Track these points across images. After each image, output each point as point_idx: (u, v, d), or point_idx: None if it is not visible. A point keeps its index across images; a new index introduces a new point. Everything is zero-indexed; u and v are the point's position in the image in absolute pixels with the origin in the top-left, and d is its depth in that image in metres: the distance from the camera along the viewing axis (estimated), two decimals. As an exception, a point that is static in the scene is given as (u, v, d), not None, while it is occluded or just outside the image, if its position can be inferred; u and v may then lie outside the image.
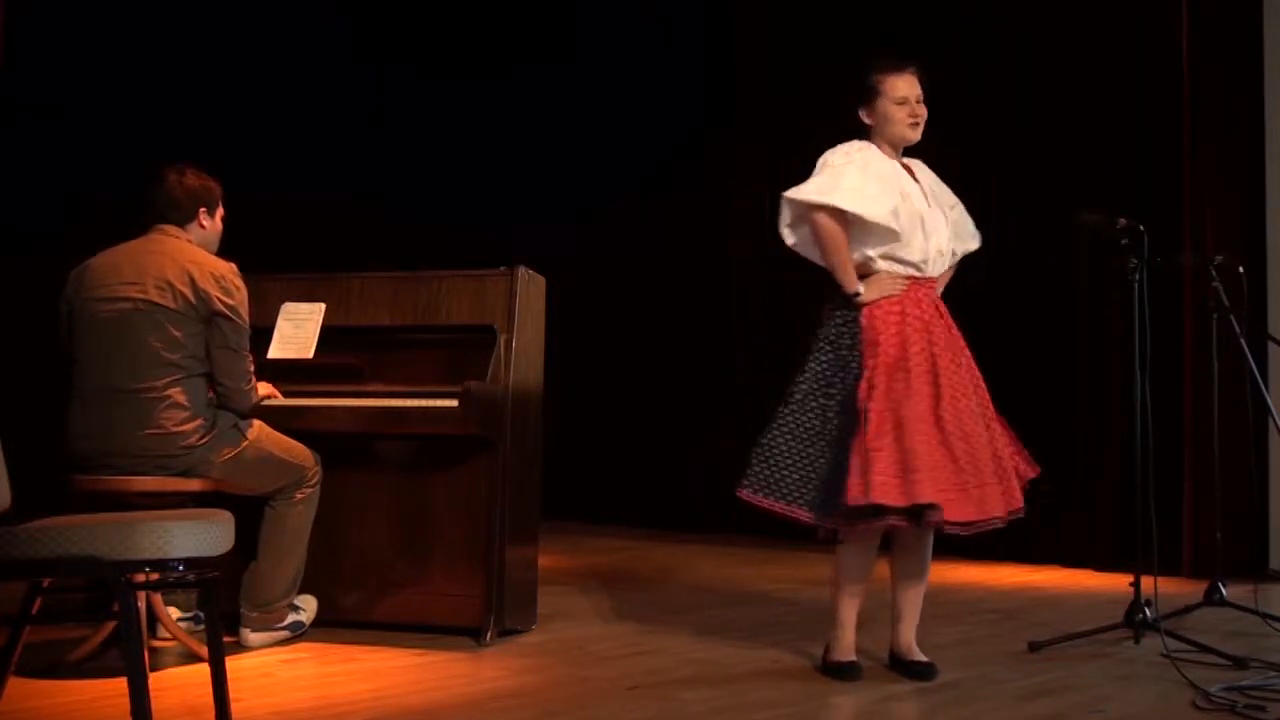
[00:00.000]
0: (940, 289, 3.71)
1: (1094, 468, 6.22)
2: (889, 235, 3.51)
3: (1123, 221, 4.10)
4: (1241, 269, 4.49)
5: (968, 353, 3.63)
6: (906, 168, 3.67)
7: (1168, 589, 4.59)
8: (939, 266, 3.64)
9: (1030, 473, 3.64)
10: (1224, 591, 4.50)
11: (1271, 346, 5.45)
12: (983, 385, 3.62)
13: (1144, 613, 4.06)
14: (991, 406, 3.62)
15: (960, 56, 6.66)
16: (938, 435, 3.41)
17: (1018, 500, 3.52)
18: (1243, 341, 4.23)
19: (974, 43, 6.79)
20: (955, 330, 3.63)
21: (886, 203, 3.50)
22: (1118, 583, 4.61)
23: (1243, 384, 4.58)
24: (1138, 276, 4.08)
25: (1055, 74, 6.52)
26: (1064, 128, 6.46)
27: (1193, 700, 3.30)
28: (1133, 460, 4.15)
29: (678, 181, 8.00)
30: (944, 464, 3.38)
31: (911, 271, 3.56)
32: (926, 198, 3.63)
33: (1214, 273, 4.33)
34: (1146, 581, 4.00)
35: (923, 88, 3.65)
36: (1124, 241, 4.09)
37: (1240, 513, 5.33)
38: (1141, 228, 4.07)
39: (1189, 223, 5.92)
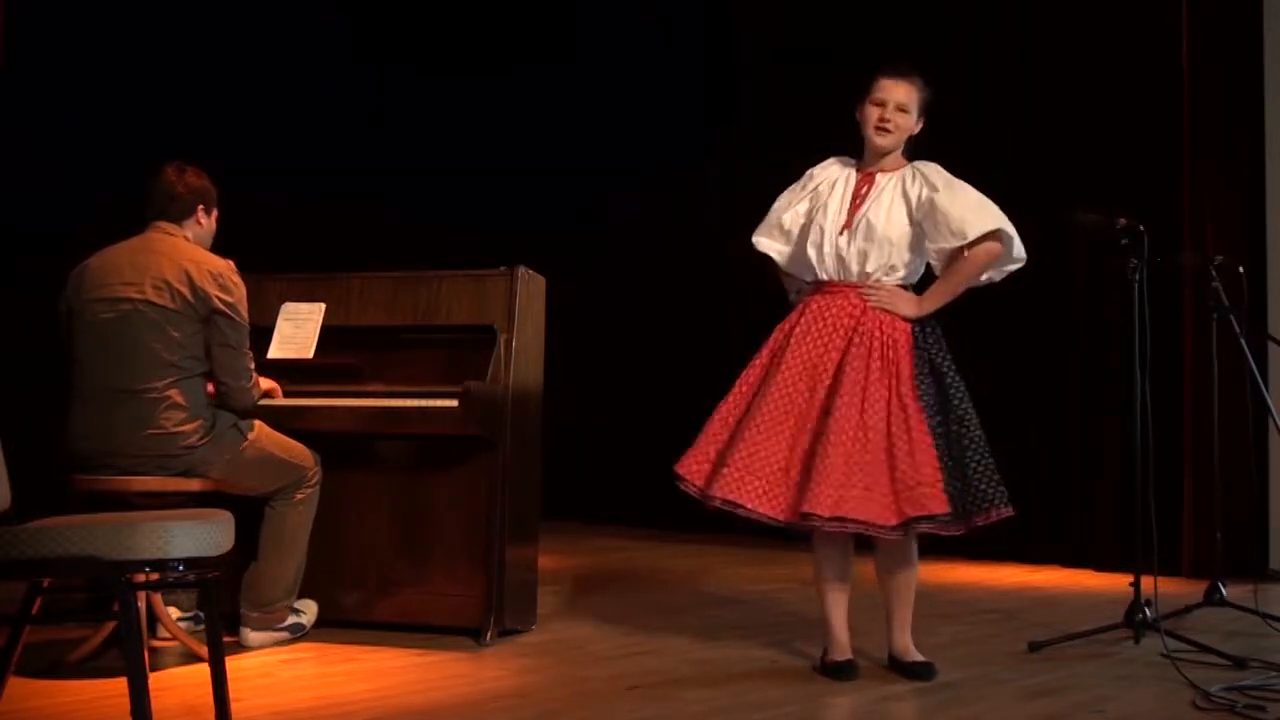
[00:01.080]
0: (948, 293, 3.62)
1: (1094, 468, 6.22)
2: (804, 261, 3.73)
3: (1123, 221, 4.10)
4: (1241, 269, 4.49)
5: (901, 373, 3.52)
6: (869, 176, 3.68)
7: (1168, 589, 4.59)
8: (848, 271, 3.62)
9: (918, 510, 3.40)
10: (1224, 591, 4.50)
11: (1271, 346, 5.45)
12: (907, 405, 3.49)
13: (1144, 613, 4.06)
14: (912, 428, 3.46)
15: (960, 56, 6.66)
16: (776, 429, 3.52)
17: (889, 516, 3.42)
18: (1243, 341, 4.23)
19: (974, 43, 6.79)
20: (890, 346, 3.54)
21: (786, 226, 3.78)
22: (1118, 583, 4.61)
23: (1243, 384, 4.58)
24: (1138, 276, 4.08)
25: (1055, 74, 6.52)
26: (1064, 128, 6.46)
27: (1193, 700, 3.29)
28: (1133, 460, 4.15)
29: (678, 181, 8.01)
30: (765, 459, 3.50)
31: (814, 277, 3.70)
32: (859, 206, 3.62)
33: (1214, 273, 4.33)
34: (1146, 581, 4.00)
35: (926, 103, 3.64)
36: (1124, 241, 4.09)
37: (1240, 513, 5.33)
38: (1141, 228, 4.07)
39: (1189, 223, 5.93)
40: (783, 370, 3.59)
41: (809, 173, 3.83)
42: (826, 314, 3.62)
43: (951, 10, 6.85)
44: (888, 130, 3.62)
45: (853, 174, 3.72)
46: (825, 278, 3.67)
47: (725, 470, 3.52)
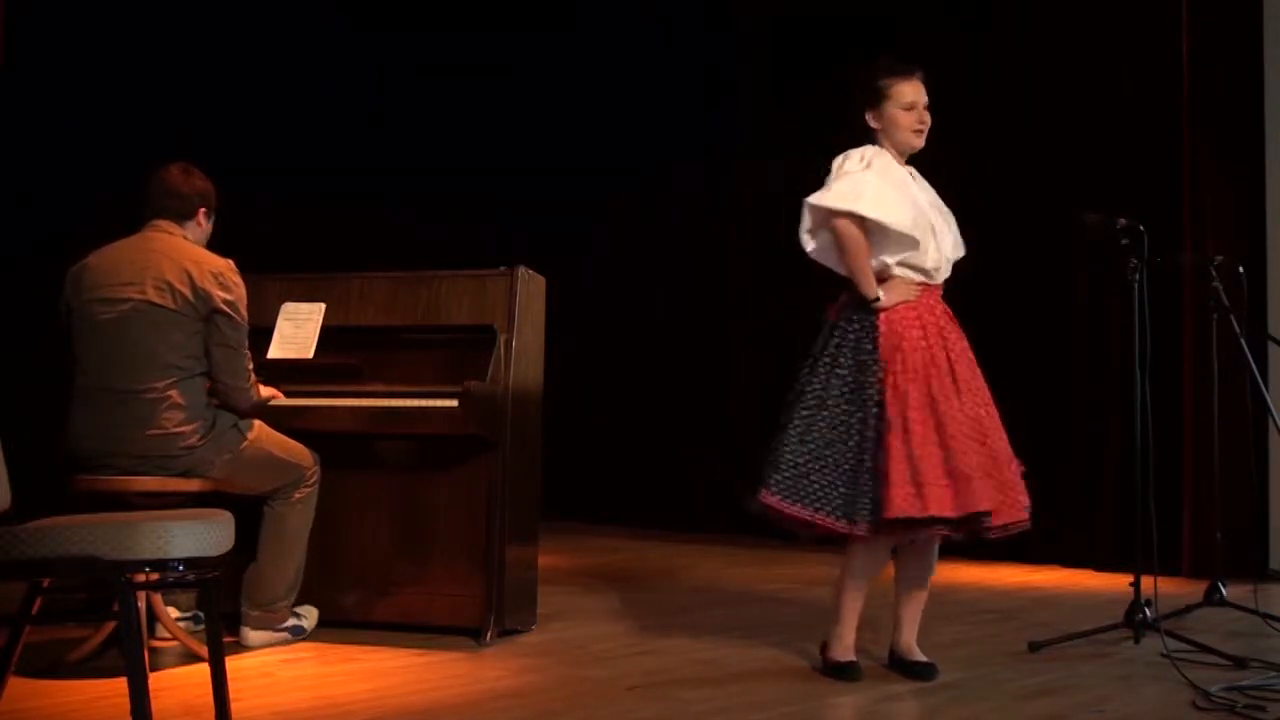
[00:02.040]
0: None
1: (1094, 468, 6.21)
2: (907, 242, 3.52)
3: (1123, 221, 4.10)
4: (1241, 269, 4.49)
5: (975, 361, 3.62)
6: (910, 175, 3.68)
7: (1168, 589, 4.59)
8: (945, 273, 3.64)
9: (1026, 511, 3.52)
10: (1224, 591, 4.50)
11: (1271, 346, 5.45)
12: (989, 393, 3.60)
13: (1144, 613, 4.06)
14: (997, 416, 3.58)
15: (960, 56, 6.66)
16: (977, 439, 3.44)
17: (1018, 511, 3.51)
18: (1243, 341, 4.23)
19: (974, 43, 6.79)
20: (964, 338, 3.62)
21: (906, 210, 3.52)
22: (1118, 583, 4.61)
23: (1243, 384, 4.58)
24: (1138, 276, 4.08)
25: (1055, 74, 6.52)
26: (1064, 128, 6.46)
27: (1193, 700, 3.29)
28: (1133, 460, 4.15)
29: (678, 181, 8.00)
30: (985, 469, 3.42)
31: (923, 278, 3.58)
32: (933, 205, 3.66)
33: (1214, 273, 4.33)
34: (1146, 581, 4.00)
35: (927, 92, 3.65)
36: (1124, 241, 4.09)
37: (1240, 513, 5.33)
38: (1141, 228, 4.08)
39: (1189, 223, 5.92)
40: (941, 378, 3.48)
41: (869, 158, 3.57)
42: (939, 314, 3.58)
43: (952, 10, 6.85)
44: (924, 132, 3.61)
45: (907, 172, 3.66)
46: (927, 279, 3.57)
47: (971, 485, 3.39)
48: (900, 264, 3.54)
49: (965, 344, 3.61)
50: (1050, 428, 6.31)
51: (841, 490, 3.40)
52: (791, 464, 3.43)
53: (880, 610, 3.82)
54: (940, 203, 3.71)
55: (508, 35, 8.24)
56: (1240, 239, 5.83)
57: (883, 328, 3.49)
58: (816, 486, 3.41)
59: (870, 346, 3.49)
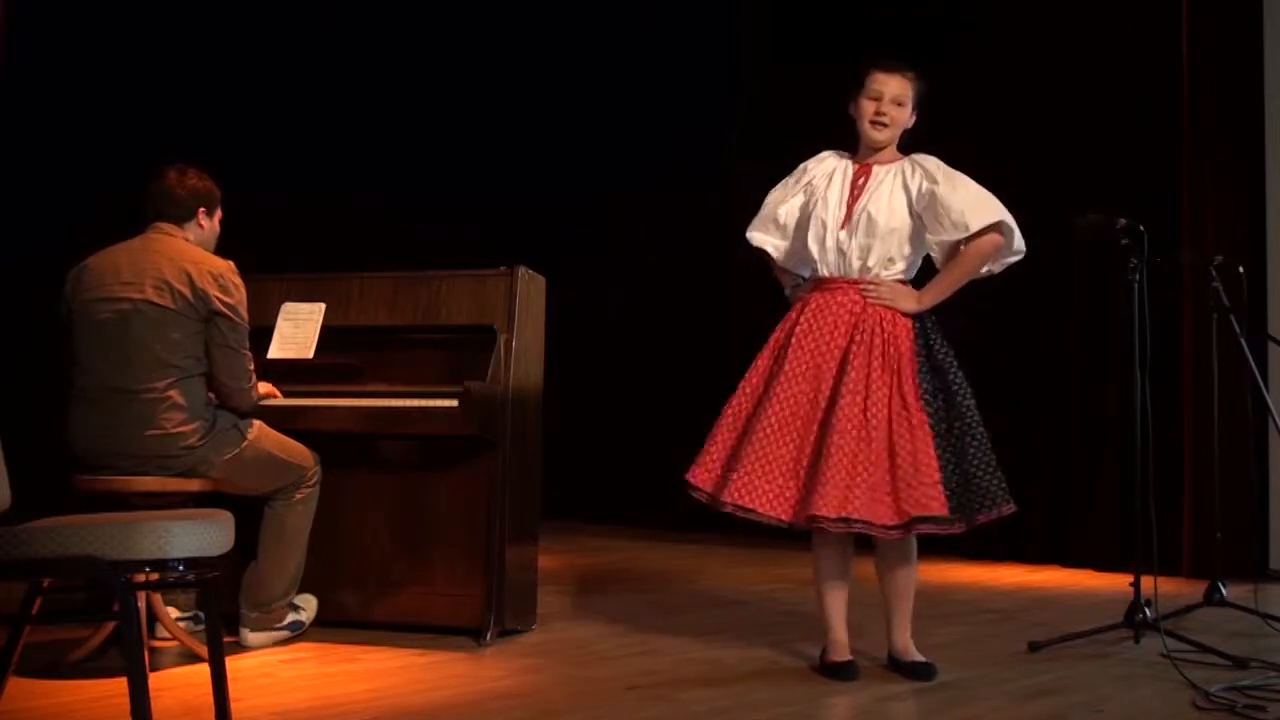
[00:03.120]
0: (949, 287, 3.61)
1: (1094, 468, 6.22)
2: (803, 256, 3.72)
3: (1123, 221, 4.10)
4: (1241, 269, 4.49)
5: (903, 370, 3.52)
6: (865, 168, 3.67)
7: (1168, 589, 4.59)
8: (849, 266, 3.61)
9: (920, 510, 3.40)
10: (1224, 591, 4.50)
11: (1271, 346, 5.45)
12: (909, 403, 3.49)
13: (1144, 613, 4.06)
14: (914, 426, 3.46)
15: (960, 57, 6.66)
16: (783, 431, 3.52)
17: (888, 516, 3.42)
18: (1243, 341, 4.23)
19: (974, 43, 6.79)
20: (890, 342, 3.54)
21: (782, 221, 3.76)
22: (1118, 583, 4.61)
23: (1243, 384, 4.58)
24: (1138, 276, 4.08)
25: (1055, 74, 6.52)
26: (1064, 128, 6.46)
27: (1193, 700, 3.29)
28: (1133, 460, 4.15)
29: (678, 181, 8.00)
30: (773, 461, 3.50)
31: (812, 273, 3.71)
32: (857, 199, 3.61)
33: (1214, 273, 4.34)
34: (1146, 581, 4.00)
35: (920, 96, 3.64)
36: (1124, 241, 4.09)
37: (1240, 513, 5.33)
38: (1141, 228, 4.08)
39: (1189, 223, 5.93)
40: (786, 371, 3.58)
41: (802, 166, 3.80)
42: (827, 311, 3.61)
43: (952, 10, 6.85)
44: (884, 124, 3.62)
45: (849, 166, 3.71)
46: (825, 273, 3.66)
47: (735, 475, 3.52)
48: (812, 272, 3.72)
49: (879, 349, 3.53)
50: (1050, 428, 6.32)
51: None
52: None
53: (876, 612, 3.81)
54: (932, 187, 3.58)
55: (508, 35, 8.25)
56: (1240, 239, 5.83)
57: (779, 326, 3.71)
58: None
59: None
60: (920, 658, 3.62)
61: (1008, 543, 6.15)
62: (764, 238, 3.83)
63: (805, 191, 3.74)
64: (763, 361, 3.70)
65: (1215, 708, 3.21)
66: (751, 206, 3.93)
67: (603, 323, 8.40)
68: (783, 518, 3.49)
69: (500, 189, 8.22)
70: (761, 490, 3.49)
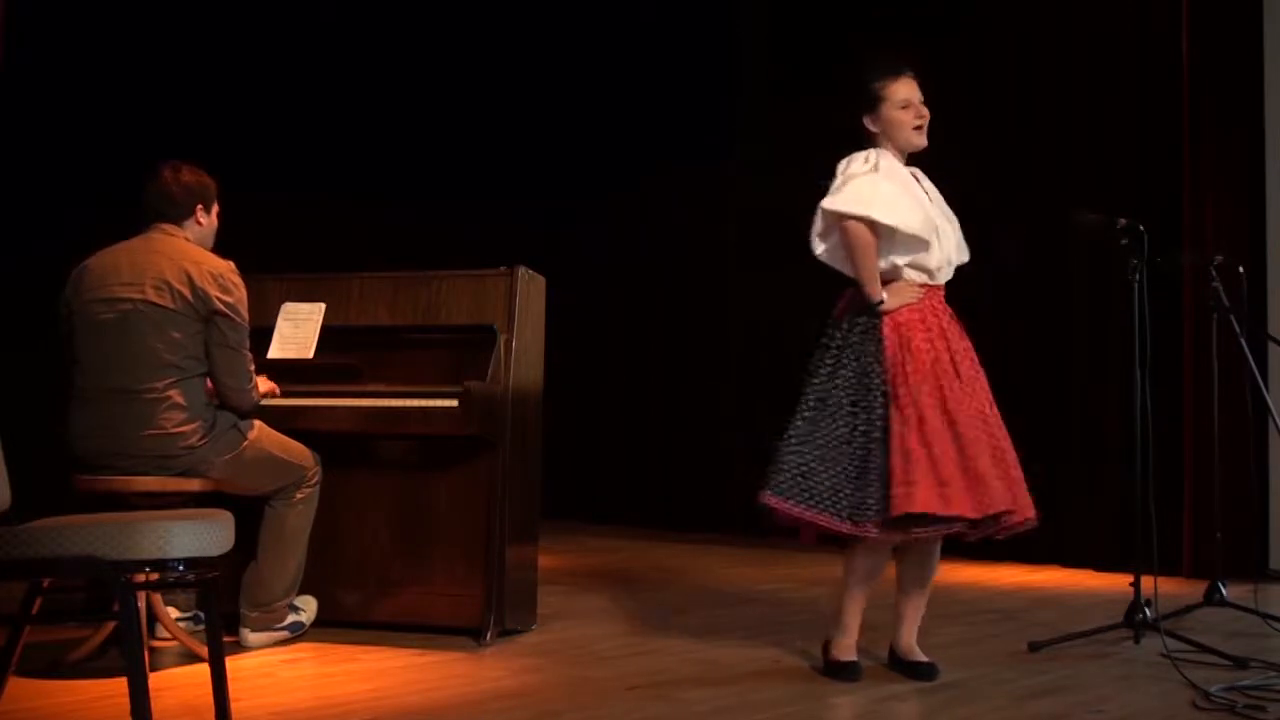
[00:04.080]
0: None
1: (1094, 467, 6.22)
2: (917, 245, 3.53)
3: (1123, 221, 4.10)
4: (1241, 269, 4.49)
5: (978, 361, 3.62)
6: (914, 176, 3.68)
7: (1168, 589, 4.59)
8: (948, 274, 3.65)
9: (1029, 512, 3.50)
10: (1224, 591, 4.50)
11: (1271, 346, 5.45)
12: (990, 393, 3.60)
13: (1144, 613, 4.06)
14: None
15: (960, 56, 6.66)
16: (986, 438, 3.44)
17: (1029, 508, 3.50)
18: (1243, 341, 4.23)
19: (974, 43, 6.79)
20: (967, 338, 3.62)
21: (916, 213, 3.53)
22: (1118, 583, 4.61)
23: (1243, 384, 4.58)
24: (1138, 276, 4.08)
25: (1055, 74, 6.52)
26: (1064, 128, 6.46)
27: (1193, 700, 3.29)
28: (1133, 460, 4.15)
29: (678, 181, 8.01)
30: (997, 468, 3.43)
31: (927, 280, 3.58)
32: (937, 206, 3.66)
33: (1214, 273, 4.33)
34: (1146, 581, 4.00)
35: (921, 91, 3.65)
36: (1124, 241, 4.09)
37: (1240, 513, 5.33)
38: (1141, 228, 4.08)
39: (1189, 223, 5.93)
40: (949, 377, 3.48)
41: (874, 160, 3.57)
42: (937, 314, 3.57)
43: (951, 10, 6.85)
44: (924, 127, 3.61)
45: (909, 173, 3.66)
46: (928, 279, 3.57)
47: (986, 484, 3.40)
48: (909, 265, 3.56)
49: (968, 343, 3.62)
50: (1050, 428, 6.31)
51: (847, 491, 3.39)
52: (794, 465, 3.43)
53: (880, 610, 3.82)
54: (944, 204, 3.71)
55: (508, 35, 8.25)
56: (1240, 239, 5.83)
57: (887, 329, 3.49)
58: (820, 487, 3.40)
59: (874, 349, 3.48)
60: (923, 658, 3.62)
61: (1008, 543, 6.11)
62: (896, 214, 3.48)
63: (905, 188, 3.56)
64: (919, 367, 3.47)
65: (1215, 708, 3.21)
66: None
67: (603, 323, 8.40)
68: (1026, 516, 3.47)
69: (500, 189, 8.22)
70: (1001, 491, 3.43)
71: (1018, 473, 3.50)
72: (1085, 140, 6.37)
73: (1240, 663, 3.69)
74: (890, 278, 3.55)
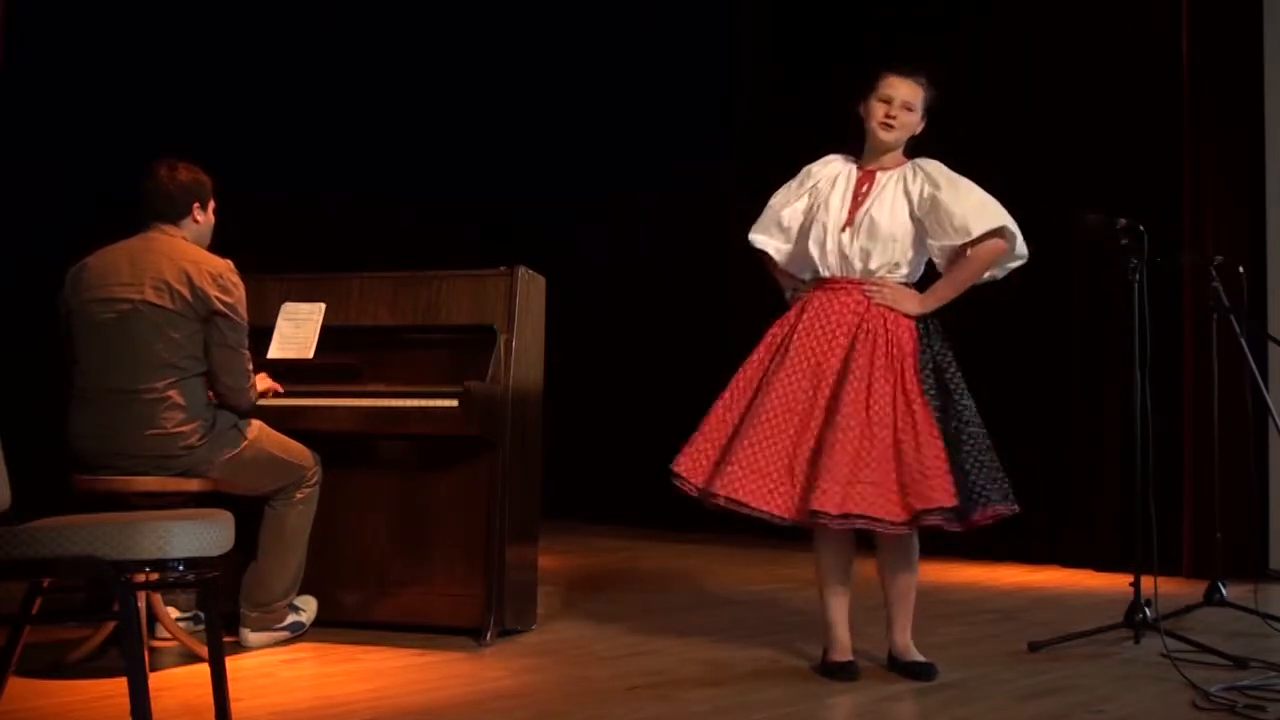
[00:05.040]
0: (952, 291, 3.62)
1: (1094, 468, 6.22)
2: (805, 259, 3.72)
3: (1123, 221, 4.10)
4: (1241, 269, 4.49)
5: (905, 368, 3.52)
6: (869, 173, 3.67)
7: (1168, 589, 4.59)
8: (850, 268, 3.62)
9: (925, 503, 3.38)
10: (1224, 591, 4.50)
11: (1271, 346, 5.45)
12: (912, 400, 3.48)
13: (1144, 613, 4.06)
14: (918, 422, 3.46)
15: (960, 56, 6.66)
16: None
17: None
18: (1243, 341, 4.23)
19: (974, 43, 6.79)
20: (894, 343, 3.54)
21: (785, 224, 3.77)
22: (1118, 583, 4.61)
23: (1243, 384, 4.58)
24: (1138, 276, 4.08)
25: (1055, 74, 6.52)
26: (1064, 128, 6.46)
27: (1193, 700, 3.29)
28: (1133, 460, 4.15)
29: (678, 181, 8.00)
30: (769, 457, 3.49)
31: (812, 276, 3.71)
32: (861, 204, 3.62)
33: (1214, 273, 4.33)
34: (1146, 581, 4.00)
35: (930, 104, 3.64)
36: (1124, 241, 4.09)
37: (1240, 513, 5.33)
38: (1141, 228, 4.08)
39: (1189, 223, 5.93)
40: (785, 367, 3.58)
41: (806, 170, 3.80)
42: (829, 311, 3.61)
43: (952, 10, 6.85)
44: (892, 126, 3.62)
45: (853, 170, 3.72)
46: (827, 274, 3.67)
47: (728, 468, 3.50)
48: (813, 275, 3.72)
49: (883, 350, 3.53)
50: (1050, 428, 6.32)
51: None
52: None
53: (877, 612, 3.82)
54: (935, 192, 3.59)
55: (508, 35, 8.25)
56: (1240, 239, 5.83)
57: (778, 323, 3.71)
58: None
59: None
60: (920, 658, 3.62)
61: (1008, 543, 6.13)
62: (766, 240, 3.83)
63: (810, 195, 3.74)
64: (758, 357, 3.70)
65: (1215, 708, 3.21)
66: (751, 207, 3.93)
67: (603, 323, 8.40)
68: (779, 514, 3.46)
69: (501, 189, 8.22)
70: (755, 485, 3.48)
71: (931, 467, 3.39)
72: (1085, 140, 6.37)
73: (1240, 663, 3.69)
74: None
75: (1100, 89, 6.33)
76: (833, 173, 3.74)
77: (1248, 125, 5.97)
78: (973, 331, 3.70)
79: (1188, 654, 3.75)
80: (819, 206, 3.69)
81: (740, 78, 8.03)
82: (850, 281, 3.63)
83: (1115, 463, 6.01)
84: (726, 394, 3.68)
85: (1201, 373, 5.51)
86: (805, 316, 3.64)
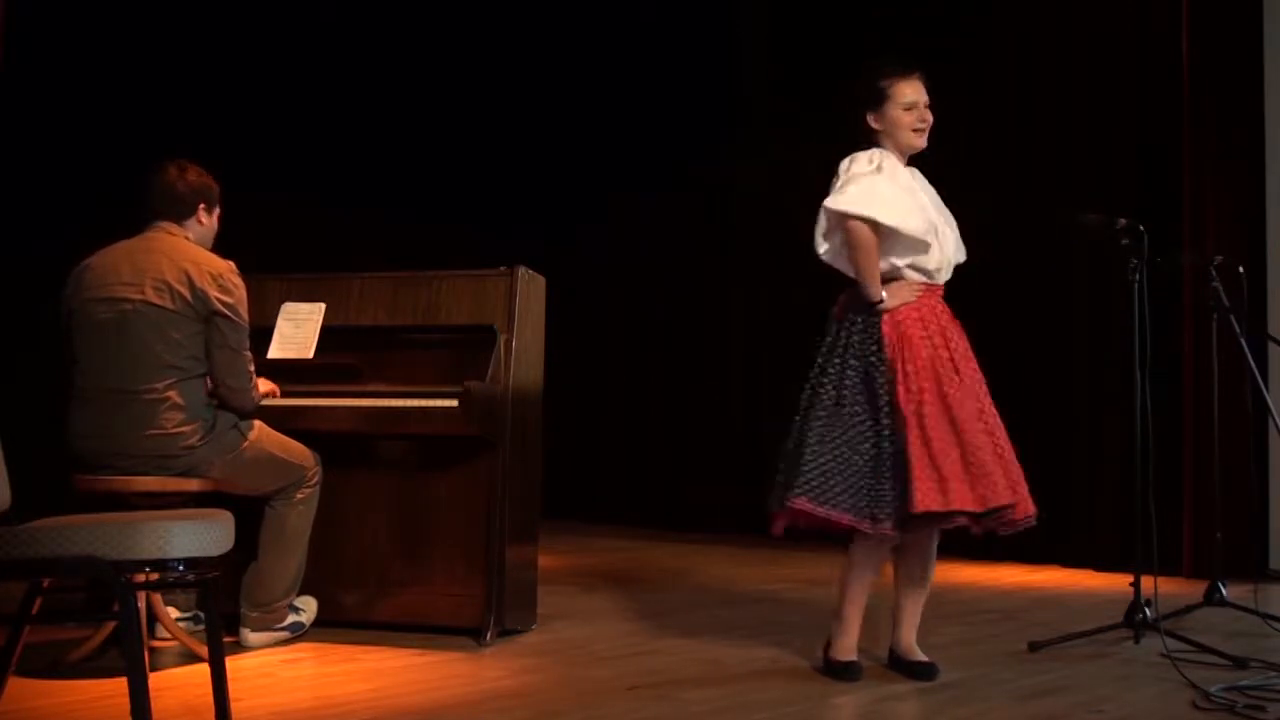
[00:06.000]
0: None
1: (1094, 468, 6.22)
2: (917, 246, 3.54)
3: (1123, 221, 4.10)
4: (1241, 269, 4.49)
5: (975, 360, 3.62)
6: (913, 176, 3.68)
7: (1168, 589, 4.59)
8: (947, 275, 3.65)
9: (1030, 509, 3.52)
10: (1224, 591, 4.50)
11: (1271, 346, 5.45)
12: (988, 392, 3.60)
13: (1144, 613, 4.06)
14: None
15: (960, 56, 6.66)
16: (987, 434, 3.45)
17: (1029, 504, 3.51)
18: (1243, 341, 4.23)
19: (974, 43, 6.79)
20: (965, 337, 3.62)
21: (917, 214, 3.53)
22: (1118, 583, 4.61)
23: (1243, 384, 4.58)
24: (1138, 276, 4.08)
25: (1055, 74, 6.52)
26: (1064, 128, 6.46)
27: (1193, 700, 3.29)
28: (1133, 460, 4.15)
29: (678, 181, 8.01)
30: (998, 463, 3.44)
31: (926, 280, 3.58)
32: (936, 207, 3.66)
33: (1214, 273, 4.34)
34: (1146, 581, 4.00)
35: (927, 92, 3.65)
36: (1124, 241, 4.09)
37: (1240, 513, 5.33)
38: (1141, 228, 4.08)
39: (1189, 223, 5.93)
40: (947, 375, 3.49)
41: (877, 161, 3.56)
42: (936, 313, 3.58)
43: (951, 10, 6.85)
44: (926, 131, 3.61)
45: (910, 174, 3.66)
46: (925, 278, 3.57)
47: (988, 479, 3.42)
48: (908, 266, 3.56)
49: (966, 343, 3.62)
50: (1050, 428, 6.31)
51: (865, 490, 3.41)
52: (815, 467, 3.43)
53: (880, 610, 3.82)
54: (942, 204, 3.71)
55: (508, 36, 8.25)
56: (1240, 239, 5.83)
57: (886, 328, 3.50)
58: (841, 487, 3.41)
59: (875, 348, 3.49)
60: (923, 658, 3.62)
61: (1008, 542, 6.12)
62: (897, 216, 3.49)
63: (908, 193, 3.57)
64: (920, 366, 3.48)
65: (1215, 708, 3.21)
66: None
67: (603, 323, 8.40)
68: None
69: (501, 189, 8.22)
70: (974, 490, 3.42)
71: (1017, 469, 3.50)
72: (1085, 140, 6.37)
73: (1240, 663, 3.69)
74: (890, 277, 3.55)
75: (1100, 89, 6.33)
76: (907, 177, 3.63)
77: (1248, 125, 5.97)
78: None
79: (1188, 654, 3.76)
80: (925, 207, 3.57)
81: (740, 78, 8.03)
82: (939, 287, 3.63)
83: (1115, 463, 6.01)
84: (914, 429, 3.39)
85: (1201, 373, 5.51)
86: (928, 321, 3.53)
